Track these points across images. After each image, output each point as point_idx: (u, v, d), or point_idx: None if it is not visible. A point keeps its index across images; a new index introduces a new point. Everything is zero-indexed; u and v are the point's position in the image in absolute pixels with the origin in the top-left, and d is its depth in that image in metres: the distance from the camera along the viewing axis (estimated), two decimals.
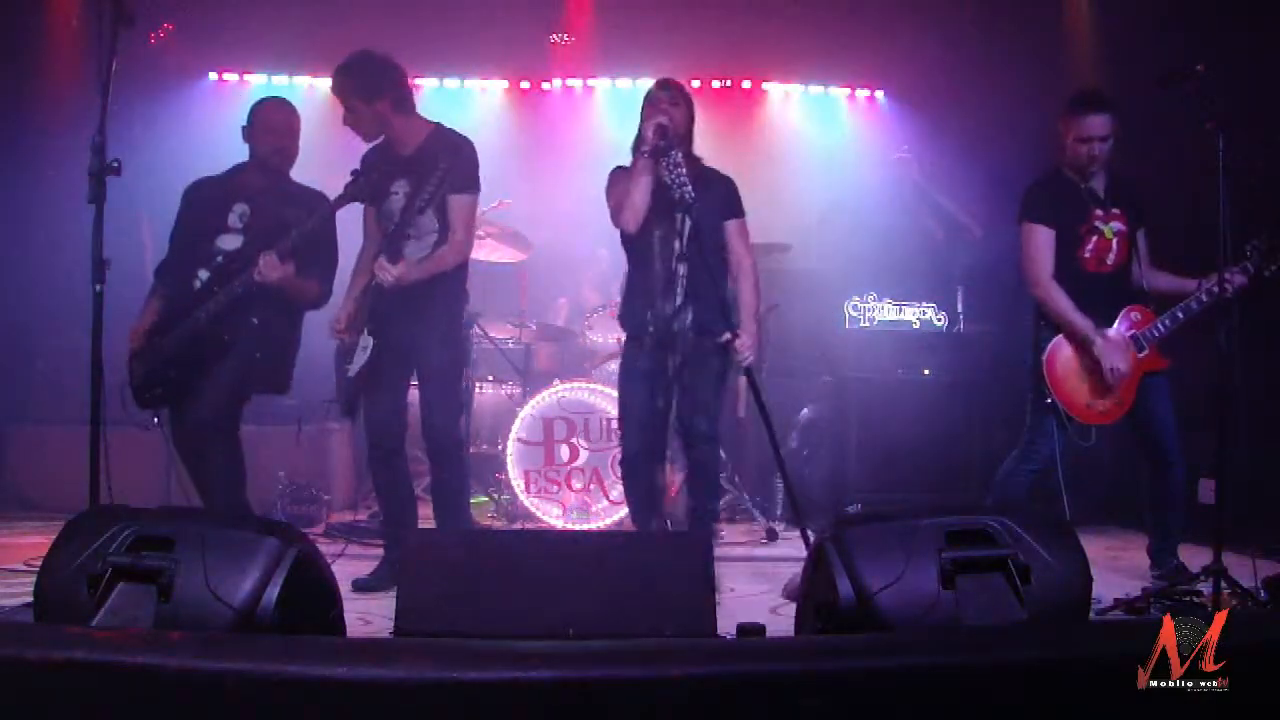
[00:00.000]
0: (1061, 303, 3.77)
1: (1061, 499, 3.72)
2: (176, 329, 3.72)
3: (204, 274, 3.75)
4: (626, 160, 3.66)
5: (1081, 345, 3.75)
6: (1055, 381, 3.76)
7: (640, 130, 3.55)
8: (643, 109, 3.66)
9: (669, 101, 3.60)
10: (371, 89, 3.69)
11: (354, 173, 3.70)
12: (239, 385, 3.76)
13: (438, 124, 3.85)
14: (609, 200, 3.68)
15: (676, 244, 3.38)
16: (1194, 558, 3.72)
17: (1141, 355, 3.78)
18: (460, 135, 3.82)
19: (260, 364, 3.77)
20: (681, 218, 3.34)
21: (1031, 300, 3.87)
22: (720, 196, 3.71)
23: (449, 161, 3.54)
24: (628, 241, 3.65)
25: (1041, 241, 3.81)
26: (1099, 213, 3.84)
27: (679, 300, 3.39)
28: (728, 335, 3.53)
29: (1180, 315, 3.76)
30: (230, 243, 3.79)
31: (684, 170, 3.37)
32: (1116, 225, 3.84)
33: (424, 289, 3.67)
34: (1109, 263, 3.84)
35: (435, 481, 3.89)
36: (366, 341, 3.71)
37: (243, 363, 3.72)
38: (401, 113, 3.76)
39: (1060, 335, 3.79)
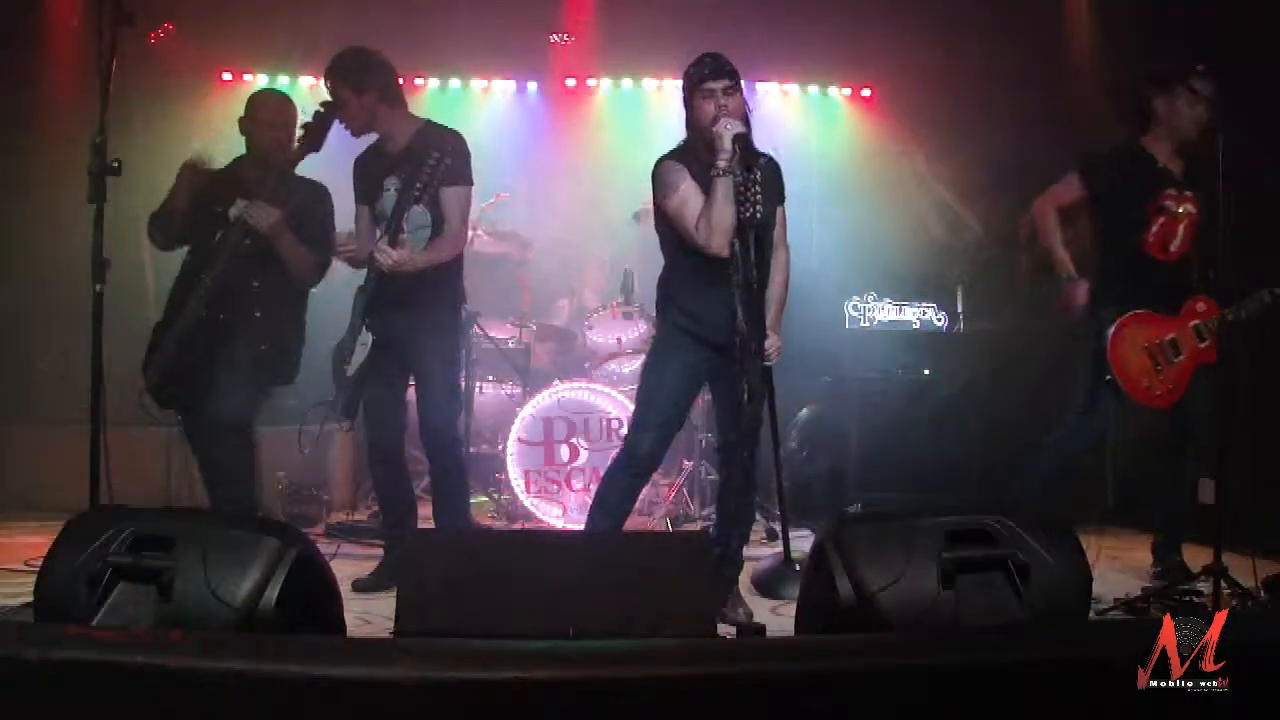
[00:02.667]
0: (1051, 233, 3.80)
1: (1105, 487, 3.72)
2: (177, 325, 3.71)
3: (207, 278, 3.74)
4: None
5: (1065, 289, 3.81)
6: (1117, 362, 3.71)
7: (711, 132, 3.10)
8: (692, 98, 3.22)
9: (725, 91, 3.17)
10: (359, 80, 3.72)
11: (304, 125, 3.71)
12: (250, 382, 3.77)
13: (427, 120, 3.87)
14: (666, 202, 3.26)
15: (740, 257, 3.08)
16: (1194, 558, 3.72)
17: (1202, 346, 3.74)
18: (449, 129, 3.83)
19: (267, 355, 3.78)
20: (748, 234, 3.06)
21: (1093, 280, 3.82)
22: (775, 185, 3.38)
23: (440, 154, 3.54)
24: (694, 251, 3.23)
25: (1067, 188, 3.83)
26: (1172, 193, 3.77)
27: (740, 314, 3.09)
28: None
29: (1243, 314, 3.69)
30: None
31: (759, 186, 3.05)
32: (1188, 208, 3.77)
33: (419, 285, 3.66)
34: (1172, 249, 3.78)
35: (434, 481, 3.88)
36: (366, 338, 3.72)
37: (251, 357, 3.73)
38: (389, 106, 3.78)
39: (1124, 316, 3.73)
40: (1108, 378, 3.71)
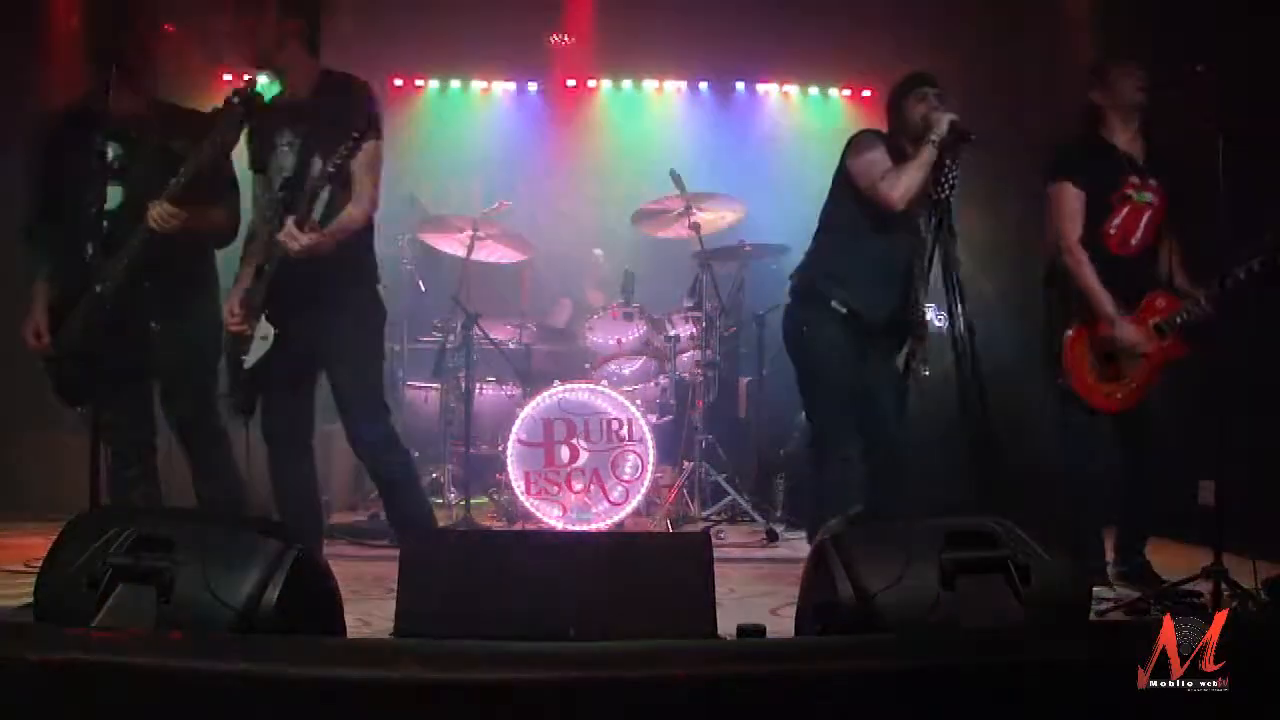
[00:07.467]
0: (1088, 272, 3.63)
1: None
2: (78, 317, 3.36)
3: (91, 246, 3.20)
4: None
5: (1104, 323, 3.63)
6: (1072, 366, 3.69)
7: (927, 119, 3.53)
8: (904, 101, 3.66)
9: (938, 96, 3.62)
10: (291, 2, 3.28)
11: (227, 100, 3.24)
12: (189, 391, 3.47)
13: (327, 68, 3.36)
14: (857, 158, 3.67)
15: (919, 237, 3.61)
16: (1194, 558, 3.72)
17: (1165, 343, 3.66)
18: (353, 78, 3.33)
19: (185, 348, 3.43)
20: (931, 214, 3.49)
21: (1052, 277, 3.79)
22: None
23: (360, 134, 3.10)
24: (866, 220, 3.68)
25: (1074, 204, 3.66)
26: (1135, 180, 3.67)
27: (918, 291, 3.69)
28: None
29: (1205, 305, 3.58)
30: (111, 198, 3.19)
31: (958, 174, 3.46)
32: (1150, 196, 3.68)
33: (331, 270, 3.22)
34: (1134, 243, 3.69)
35: (383, 495, 3.62)
36: (266, 330, 3.24)
37: (175, 365, 3.42)
38: (304, 48, 3.32)
39: (1082, 325, 3.68)
40: (1058, 381, 3.72)
